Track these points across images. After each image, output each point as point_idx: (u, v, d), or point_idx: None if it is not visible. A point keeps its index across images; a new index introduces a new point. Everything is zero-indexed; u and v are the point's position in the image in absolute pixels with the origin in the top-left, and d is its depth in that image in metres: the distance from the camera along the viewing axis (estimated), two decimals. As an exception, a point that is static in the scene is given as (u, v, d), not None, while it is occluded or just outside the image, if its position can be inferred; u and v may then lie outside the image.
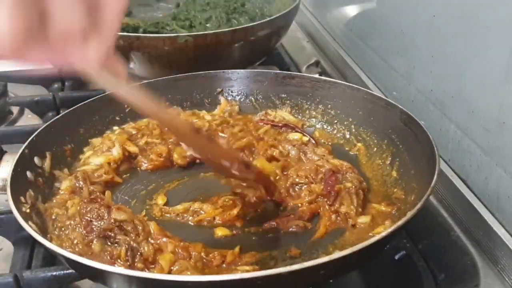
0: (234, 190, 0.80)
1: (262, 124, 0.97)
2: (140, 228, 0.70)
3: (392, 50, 1.06)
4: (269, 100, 1.03)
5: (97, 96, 0.96)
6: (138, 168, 0.90)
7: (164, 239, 0.70)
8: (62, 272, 0.72)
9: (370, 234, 0.73)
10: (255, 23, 1.14)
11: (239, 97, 1.03)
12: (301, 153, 0.89)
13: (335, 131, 0.97)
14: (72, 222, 0.73)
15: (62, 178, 0.83)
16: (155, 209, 0.80)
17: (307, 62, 1.33)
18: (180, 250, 0.69)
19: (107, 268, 0.60)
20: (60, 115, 0.91)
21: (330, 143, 0.95)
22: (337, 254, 0.58)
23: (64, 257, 0.62)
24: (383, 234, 0.61)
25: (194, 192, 0.84)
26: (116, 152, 0.88)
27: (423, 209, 0.65)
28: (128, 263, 0.67)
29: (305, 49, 1.42)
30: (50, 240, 0.70)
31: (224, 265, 0.68)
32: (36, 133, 0.83)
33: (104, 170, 0.85)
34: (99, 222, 0.71)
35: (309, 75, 1.10)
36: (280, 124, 0.96)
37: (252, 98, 1.03)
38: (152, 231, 0.71)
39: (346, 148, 0.94)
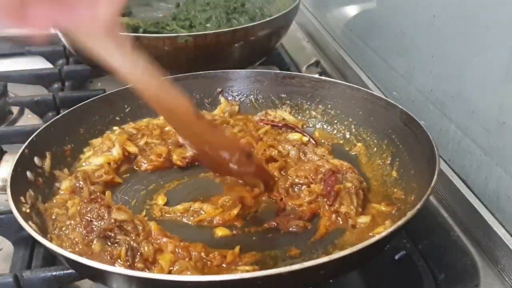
0: (229, 190, 0.79)
1: (262, 124, 0.97)
2: (140, 228, 0.71)
3: (392, 50, 1.06)
4: (269, 100, 1.03)
5: (97, 96, 0.97)
6: (138, 169, 0.90)
7: (164, 239, 0.70)
8: (62, 272, 0.72)
9: (370, 234, 0.73)
10: (255, 23, 1.14)
11: (239, 97, 1.03)
12: (301, 153, 0.89)
13: (335, 131, 0.97)
14: (72, 222, 0.73)
15: (62, 178, 0.83)
16: (155, 209, 0.80)
17: (307, 62, 1.33)
18: (180, 250, 0.69)
19: (107, 268, 0.60)
20: (60, 115, 0.91)
21: (330, 143, 0.94)
22: (337, 254, 0.58)
23: (64, 257, 0.62)
24: (383, 234, 0.62)
25: (194, 192, 0.84)
26: (116, 152, 0.88)
27: (423, 209, 0.65)
28: (128, 263, 0.67)
29: (305, 49, 1.42)
30: (50, 240, 0.70)
31: (224, 265, 0.68)
32: (36, 133, 0.83)
33: (104, 170, 0.85)
34: (99, 222, 0.71)
35: (309, 75, 1.10)
36: (280, 124, 0.96)
37: (252, 98, 1.03)
38: (152, 231, 0.71)
39: (346, 148, 0.94)
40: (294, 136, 0.93)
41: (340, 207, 0.77)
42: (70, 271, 0.72)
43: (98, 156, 0.88)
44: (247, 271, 0.66)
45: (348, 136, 0.95)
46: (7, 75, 1.27)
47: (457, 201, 0.81)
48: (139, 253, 0.68)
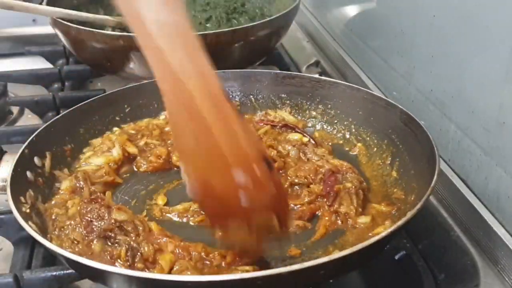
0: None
1: (262, 124, 0.97)
2: (141, 228, 0.71)
3: (392, 50, 1.06)
4: (269, 100, 1.03)
5: (97, 96, 0.97)
6: (137, 170, 0.90)
7: (164, 239, 0.70)
8: (62, 272, 0.72)
9: (370, 234, 0.73)
10: (255, 23, 1.14)
11: (239, 97, 1.03)
12: (301, 153, 0.89)
13: (335, 131, 0.97)
14: (72, 222, 0.73)
15: (62, 178, 0.83)
16: (155, 209, 0.80)
17: (307, 62, 1.33)
18: (180, 250, 0.69)
19: (107, 268, 0.60)
20: (60, 115, 0.91)
21: (330, 143, 0.94)
22: (337, 254, 0.58)
23: (64, 257, 0.62)
24: (383, 234, 0.61)
25: (194, 192, 0.84)
26: (116, 152, 0.88)
27: (423, 209, 0.65)
28: (128, 263, 0.67)
29: (305, 49, 1.42)
30: (50, 240, 0.70)
31: (224, 265, 0.68)
32: (36, 133, 0.83)
33: (105, 170, 0.85)
34: (100, 222, 0.71)
35: (309, 75, 1.10)
36: (280, 125, 0.96)
37: (252, 98, 1.03)
38: (152, 231, 0.71)
39: (346, 148, 0.94)
40: (294, 136, 0.93)
41: (340, 207, 0.77)
42: (70, 271, 0.72)
43: (98, 157, 0.88)
44: (247, 271, 0.66)
45: (348, 136, 0.95)
46: (7, 75, 1.27)
47: (457, 201, 0.81)
48: (139, 253, 0.68)
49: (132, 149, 0.90)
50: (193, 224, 0.78)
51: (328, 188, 0.79)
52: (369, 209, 0.78)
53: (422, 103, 0.94)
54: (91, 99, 0.94)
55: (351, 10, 1.28)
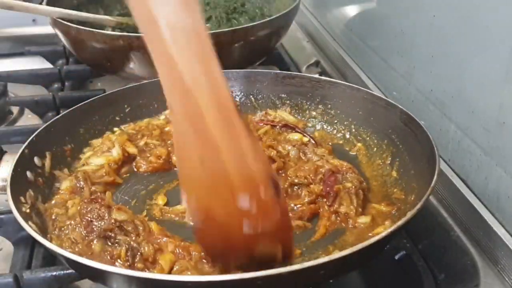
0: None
1: (262, 124, 0.97)
2: (141, 228, 0.71)
3: (392, 50, 1.06)
4: (269, 100, 1.03)
5: (97, 96, 0.97)
6: (137, 170, 0.89)
7: (165, 239, 0.70)
8: (62, 272, 0.72)
9: (370, 234, 0.73)
10: (255, 23, 1.14)
11: (239, 97, 1.03)
12: (301, 153, 0.89)
13: (335, 131, 0.97)
14: (72, 222, 0.73)
15: (62, 178, 0.83)
16: (155, 209, 0.80)
17: (307, 62, 1.33)
18: (180, 250, 0.69)
19: (107, 268, 0.60)
20: (60, 115, 0.91)
21: (330, 143, 0.94)
22: (337, 254, 0.58)
23: (64, 257, 0.62)
24: (383, 234, 0.61)
25: (194, 192, 0.84)
26: (116, 153, 0.88)
27: (423, 209, 0.65)
28: (128, 263, 0.67)
29: (305, 49, 1.42)
30: (50, 240, 0.70)
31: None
32: (36, 133, 0.83)
33: (105, 170, 0.85)
34: (100, 222, 0.71)
35: (309, 75, 1.10)
36: (280, 124, 0.96)
37: (252, 98, 1.03)
38: (152, 231, 0.71)
39: (346, 148, 0.94)
40: (294, 136, 0.93)
41: (340, 207, 0.77)
42: (70, 271, 0.72)
43: (98, 157, 0.88)
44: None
45: (348, 136, 0.95)
46: (7, 75, 1.27)
47: (457, 201, 0.81)
48: (139, 253, 0.68)
49: (132, 149, 0.90)
50: (193, 224, 0.77)
51: (328, 188, 0.79)
52: (369, 209, 0.78)
53: (422, 103, 0.94)
54: (91, 99, 0.94)
55: (351, 10, 1.28)
